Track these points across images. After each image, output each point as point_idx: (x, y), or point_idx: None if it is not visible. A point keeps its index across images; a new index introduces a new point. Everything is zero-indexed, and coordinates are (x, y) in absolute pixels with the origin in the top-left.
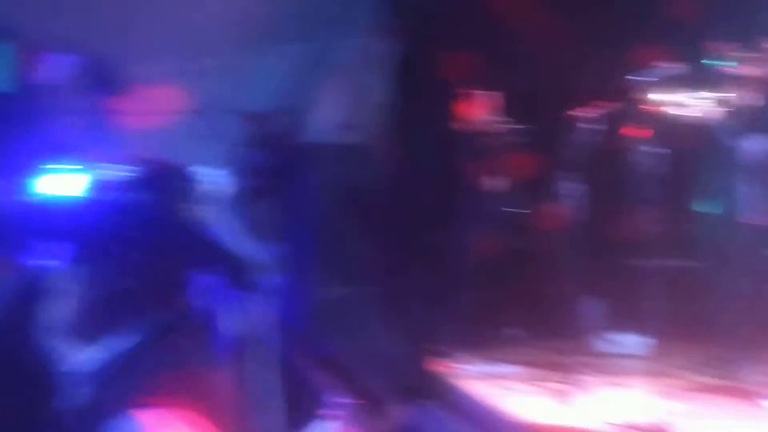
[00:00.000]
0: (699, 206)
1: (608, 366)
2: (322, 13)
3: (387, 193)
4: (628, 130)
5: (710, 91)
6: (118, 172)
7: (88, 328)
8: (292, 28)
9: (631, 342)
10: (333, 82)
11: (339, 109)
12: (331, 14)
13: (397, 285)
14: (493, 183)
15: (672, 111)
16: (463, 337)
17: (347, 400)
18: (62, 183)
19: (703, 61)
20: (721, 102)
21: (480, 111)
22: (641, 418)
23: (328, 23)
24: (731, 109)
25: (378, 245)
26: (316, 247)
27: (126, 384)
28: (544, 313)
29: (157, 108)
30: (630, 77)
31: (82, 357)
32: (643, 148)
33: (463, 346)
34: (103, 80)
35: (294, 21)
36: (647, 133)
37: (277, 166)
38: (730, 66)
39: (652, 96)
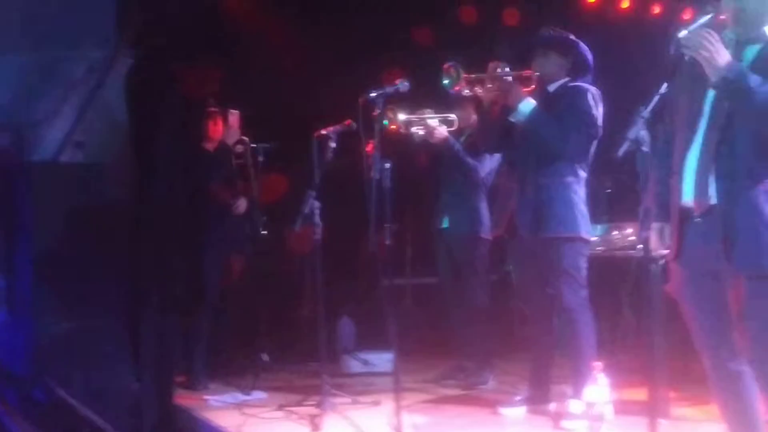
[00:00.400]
0: (438, 223)
1: (359, 385)
2: (53, 21)
3: (125, 216)
4: (371, 149)
5: (446, 111)
6: None
7: None
8: (17, 36)
9: (379, 360)
10: (63, 97)
11: (70, 125)
12: (63, 23)
13: (135, 314)
14: (239, 203)
15: (412, 131)
16: (209, 365)
17: None
18: None
19: (441, 83)
20: (456, 122)
21: (224, 129)
22: None
23: (59, 33)
24: (466, 129)
25: (114, 272)
26: (39, 277)
27: None
28: (292, 336)
29: None
30: (371, 97)
31: None
32: (385, 166)
33: (209, 375)
34: None
35: (20, 29)
36: (388, 151)
37: None
38: (464, 88)
39: (393, 116)
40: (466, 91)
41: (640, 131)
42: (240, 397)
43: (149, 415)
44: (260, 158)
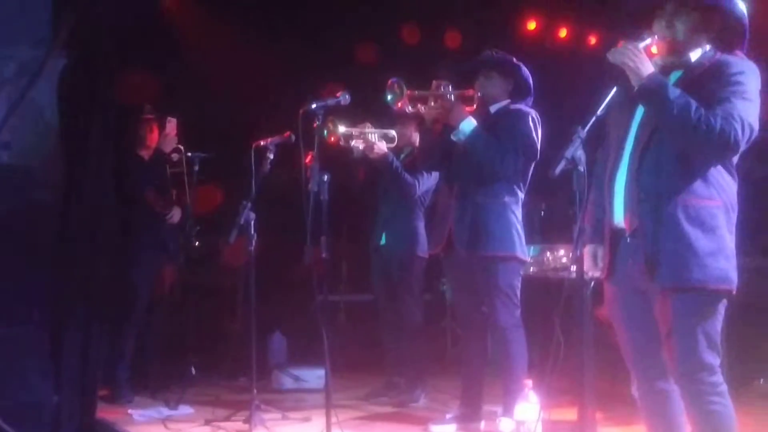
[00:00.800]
0: (375, 240)
1: (290, 401)
2: None
3: (51, 221)
4: (310, 161)
5: (385, 127)
6: None
7: None
8: None
9: (310, 376)
10: None
11: None
12: None
13: (59, 323)
14: (173, 213)
15: (352, 144)
16: (137, 377)
17: None
18: None
19: (384, 98)
20: (396, 139)
21: (161, 137)
22: None
23: None
24: (405, 147)
25: (37, 279)
26: None
27: None
28: (222, 350)
29: None
30: (312, 108)
31: None
32: (323, 179)
33: (134, 388)
34: None
35: None
36: (327, 164)
37: None
38: (407, 105)
39: (333, 127)
40: (409, 108)
41: (576, 151)
42: (165, 411)
43: (68, 429)
44: (196, 168)
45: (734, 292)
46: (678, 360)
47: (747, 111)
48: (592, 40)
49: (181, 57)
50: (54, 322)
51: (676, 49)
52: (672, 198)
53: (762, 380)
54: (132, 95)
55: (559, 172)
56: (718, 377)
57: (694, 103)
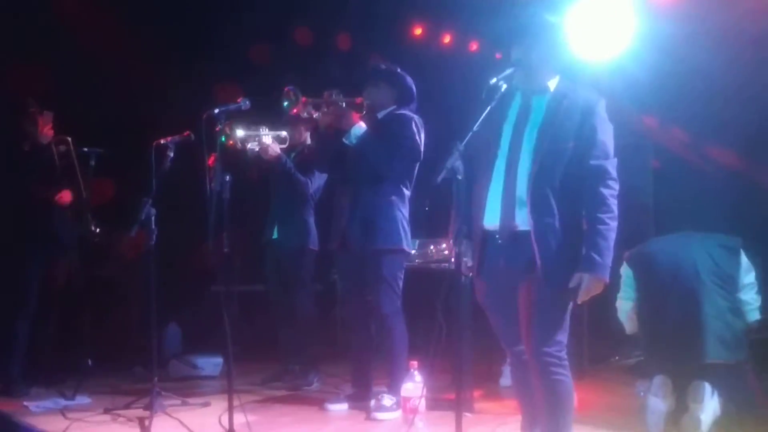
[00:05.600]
0: (268, 234)
1: (187, 388)
2: None
3: None
4: (212, 162)
5: (278, 128)
6: None
7: None
8: None
9: (206, 363)
10: None
11: None
12: None
13: None
14: (67, 206)
15: (248, 147)
16: (31, 369)
17: None
18: None
19: (281, 105)
20: (288, 139)
21: (53, 130)
22: None
23: None
24: (296, 146)
25: None
26: None
27: None
28: (118, 341)
29: None
30: (215, 113)
31: None
32: (226, 179)
33: (31, 379)
34: None
35: None
36: (221, 162)
37: None
38: (302, 111)
39: (231, 132)
40: (304, 114)
41: (456, 162)
42: (62, 402)
43: None
44: (92, 163)
45: None
46: (536, 339)
47: None
48: (474, 46)
49: (73, 52)
50: None
51: (529, 74)
52: (557, 214)
53: (617, 357)
54: (17, 85)
55: (440, 180)
56: (565, 353)
57: None
